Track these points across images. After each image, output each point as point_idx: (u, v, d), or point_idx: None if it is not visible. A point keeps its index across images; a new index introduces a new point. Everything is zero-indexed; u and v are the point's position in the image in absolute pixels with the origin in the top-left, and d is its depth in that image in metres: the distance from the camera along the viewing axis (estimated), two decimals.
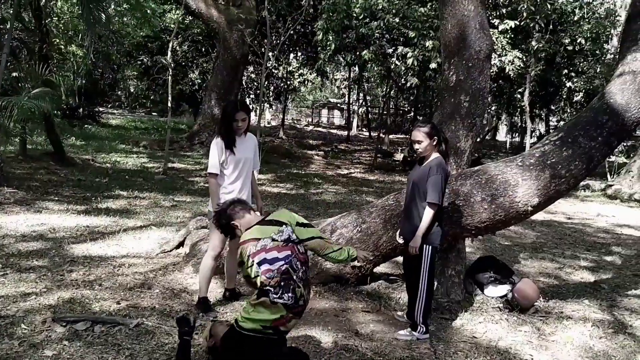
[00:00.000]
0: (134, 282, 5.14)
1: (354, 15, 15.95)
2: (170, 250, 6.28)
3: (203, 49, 25.63)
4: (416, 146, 4.38)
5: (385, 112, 26.54)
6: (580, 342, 4.48)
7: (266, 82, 24.67)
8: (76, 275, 5.19)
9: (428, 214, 4.23)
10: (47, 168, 11.04)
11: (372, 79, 26.34)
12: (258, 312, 3.16)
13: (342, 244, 5.31)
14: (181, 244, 6.35)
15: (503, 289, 5.42)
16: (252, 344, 3.20)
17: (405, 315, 4.70)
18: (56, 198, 8.72)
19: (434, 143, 4.33)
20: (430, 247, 4.33)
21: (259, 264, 3.19)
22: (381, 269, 5.95)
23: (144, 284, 5.09)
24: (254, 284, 3.25)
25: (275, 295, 3.14)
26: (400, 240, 4.63)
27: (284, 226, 3.32)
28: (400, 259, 6.17)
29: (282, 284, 3.16)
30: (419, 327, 4.36)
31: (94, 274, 5.27)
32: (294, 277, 3.19)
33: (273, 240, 3.25)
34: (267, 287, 3.16)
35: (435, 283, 5.37)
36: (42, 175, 10.46)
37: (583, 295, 5.81)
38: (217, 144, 4.64)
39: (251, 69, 26.53)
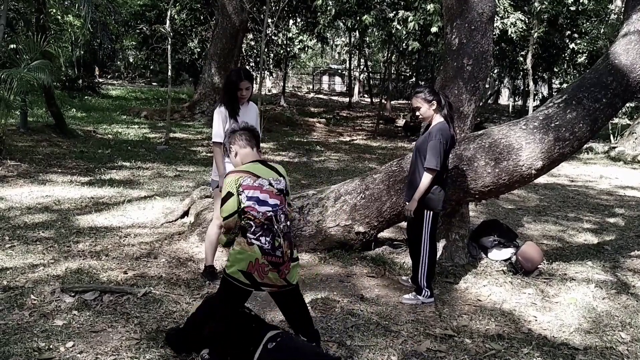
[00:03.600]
0: (140, 251, 5.18)
1: None
2: (175, 220, 6.32)
3: (202, 17, 25.28)
4: (417, 113, 4.38)
5: (386, 78, 26.33)
6: (584, 303, 4.52)
7: (266, 50, 24.43)
8: (83, 246, 5.23)
9: (425, 178, 4.20)
10: (49, 140, 11.03)
11: (373, 44, 26.06)
12: (236, 258, 3.05)
13: (346, 210, 5.34)
14: (186, 214, 6.38)
15: (507, 252, 5.45)
16: (234, 291, 3.11)
17: (409, 280, 4.74)
18: (59, 170, 8.73)
19: (434, 107, 4.29)
20: (431, 212, 4.30)
21: (249, 198, 3.08)
22: (385, 234, 5.99)
23: (150, 254, 5.13)
24: (231, 224, 3.11)
25: (252, 236, 3.03)
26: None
27: (282, 177, 3.28)
28: (404, 224, 6.21)
29: (263, 227, 3.06)
30: (423, 291, 4.39)
31: (100, 244, 5.32)
32: (276, 227, 3.09)
33: (270, 184, 3.16)
34: (246, 224, 3.05)
35: (440, 247, 5.42)
36: (45, 147, 10.46)
37: (586, 257, 5.84)
38: (220, 113, 4.59)
39: (250, 36, 26.22)
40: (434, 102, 4.28)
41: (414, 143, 4.57)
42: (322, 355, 3.16)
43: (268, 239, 3.06)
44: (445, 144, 4.22)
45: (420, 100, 4.30)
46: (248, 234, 3.05)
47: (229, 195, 3.09)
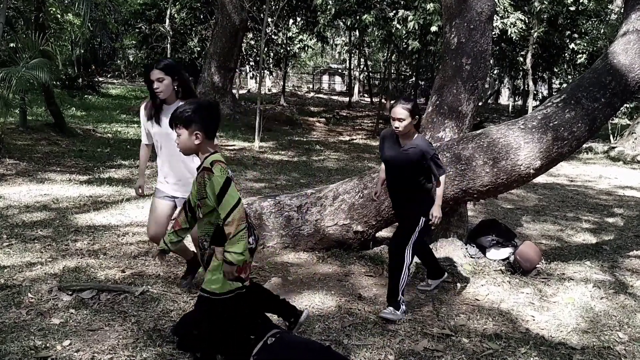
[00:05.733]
0: (138, 250, 5.17)
1: None
2: (174, 219, 6.30)
3: (201, 16, 25.27)
4: (396, 124, 3.97)
5: (386, 78, 26.32)
6: (582, 302, 4.52)
7: (266, 49, 24.42)
8: (81, 244, 5.22)
9: (443, 184, 4.12)
10: (48, 139, 11.02)
11: (373, 43, 26.05)
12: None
13: (345, 210, 5.33)
14: None
15: (505, 252, 5.45)
16: (231, 306, 2.97)
17: (429, 281, 4.68)
18: (58, 169, 8.73)
19: (415, 122, 4.03)
20: (425, 219, 4.11)
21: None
22: (383, 233, 5.98)
23: (148, 252, 5.13)
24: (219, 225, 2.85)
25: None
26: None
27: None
28: None
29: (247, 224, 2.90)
30: (401, 306, 4.03)
31: (99, 243, 5.31)
32: (250, 221, 2.99)
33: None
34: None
35: (438, 246, 5.42)
36: (44, 146, 10.45)
37: (585, 257, 5.84)
38: (141, 111, 4.04)
39: (250, 35, 26.20)
40: (418, 117, 4.04)
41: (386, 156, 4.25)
42: (316, 349, 3.16)
43: (252, 237, 3.00)
44: None
45: (407, 113, 3.96)
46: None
47: (224, 188, 2.79)
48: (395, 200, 4.35)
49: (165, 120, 3.72)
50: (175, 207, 4.12)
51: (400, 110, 3.94)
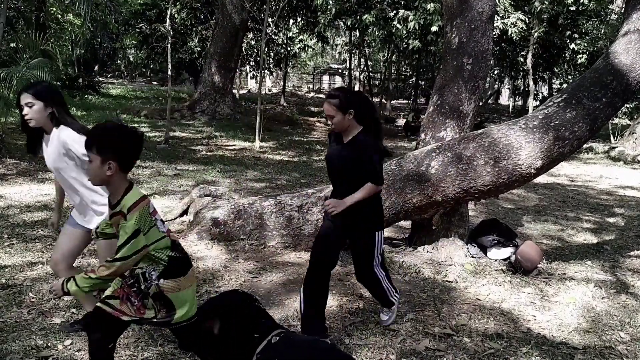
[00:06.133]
0: None
1: None
2: (174, 219, 6.31)
3: (202, 16, 25.31)
4: (330, 122, 3.57)
5: (387, 78, 26.32)
6: (583, 302, 4.52)
7: (266, 49, 24.42)
8: None
9: (370, 190, 3.47)
10: None
11: (373, 43, 26.07)
12: (183, 296, 2.64)
13: None
14: (185, 212, 6.38)
15: (506, 252, 5.45)
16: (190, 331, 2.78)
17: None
18: None
19: (350, 117, 3.49)
20: (381, 232, 3.68)
21: (162, 222, 2.66)
22: (384, 233, 5.98)
23: None
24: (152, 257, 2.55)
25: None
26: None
27: None
28: (403, 223, 6.22)
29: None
30: (393, 300, 3.89)
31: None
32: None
33: None
34: (173, 254, 2.62)
35: (440, 246, 5.42)
36: None
37: (586, 257, 5.84)
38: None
39: (251, 35, 26.23)
40: (352, 110, 3.49)
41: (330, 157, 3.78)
42: (321, 348, 3.15)
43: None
44: (381, 159, 3.59)
45: (333, 108, 3.48)
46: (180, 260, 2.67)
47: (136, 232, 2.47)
48: (341, 213, 3.51)
49: (49, 152, 3.28)
50: (84, 236, 3.49)
51: (327, 107, 3.53)
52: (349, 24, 18.58)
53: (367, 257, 3.66)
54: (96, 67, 30.02)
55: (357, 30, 20.66)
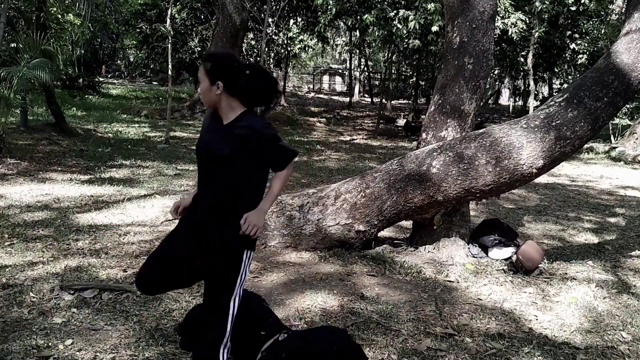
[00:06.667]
0: (140, 250, 5.16)
1: None
2: (175, 219, 6.29)
3: (202, 16, 25.32)
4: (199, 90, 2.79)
5: (387, 78, 26.32)
6: (584, 302, 4.51)
7: (266, 49, 24.41)
8: (82, 244, 5.21)
9: (286, 176, 2.77)
10: (49, 139, 11.01)
11: (374, 43, 26.07)
12: None
13: (346, 209, 5.32)
14: None
15: (507, 252, 5.44)
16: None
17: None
18: (59, 168, 8.72)
19: (218, 91, 2.65)
20: (251, 252, 2.73)
21: None
22: (385, 233, 5.98)
23: (150, 252, 5.11)
24: None
25: None
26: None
27: None
28: (404, 223, 6.21)
29: None
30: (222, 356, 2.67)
31: (100, 242, 5.30)
32: None
33: None
34: None
35: (441, 246, 5.41)
36: (45, 146, 10.44)
37: (587, 257, 5.83)
38: None
39: (251, 35, 26.24)
40: (219, 85, 2.64)
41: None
42: (326, 337, 3.15)
43: None
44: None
45: (202, 72, 2.69)
46: None
47: None
48: (204, 218, 2.77)
49: None
50: None
51: (200, 71, 2.72)
52: (349, 24, 18.58)
53: (224, 285, 2.67)
54: (103, 68, 30.03)
55: (358, 31, 20.65)
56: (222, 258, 2.67)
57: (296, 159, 2.91)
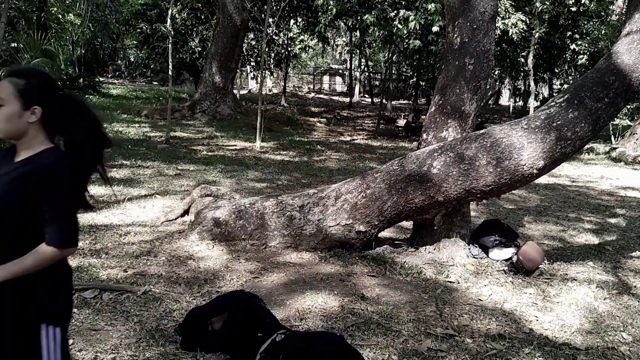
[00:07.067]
0: (140, 250, 5.16)
1: None
2: (175, 219, 6.30)
3: (203, 16, 25.30)
4: None
5: (387, 78, 26.33)
6: (585, 303, 4.51)
7: (267, 49, 24.42)
8: (82, 244, 5.20)
9: (45, 255, 1.98)
10: None
11: (374, 44, 26.08)
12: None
13: (347, 209, 5.32)
14: (186, 212, 6.36)
15: (508, 252, 5.44)
16: None
17: None
18: None
19: (34, 118, 1.97)
20: (58, 329, 2.03)
21: None
22: (386, 233, 5.97)
23: (150, 252, 5.12)
24: None
25: None
26: None
27: None
28: (405, 224, 6.20)
29: None
30: None
31: (100, 242, 5.30)
32: None
33: None
34: None
35: (441, 246, 5.40)
36: None
37: (587, 257, 5.83)
38: None
39: (251, 35, 26.24)
40: (36, 110, 1.98)
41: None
42: (324, 340, 3.15)
43: None
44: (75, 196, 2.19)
45: (10, 90, 1.95)
46: None
47: None
48: None
49: None
50: None
51: (1, 86, 1.97)
52: (349, 24, 18.55)
53: None
54: (110, 68, 30.02)
55: (358, 31, 20.64)
56: (13, 341, 1.99)
57: (78, 245, 2.27)
